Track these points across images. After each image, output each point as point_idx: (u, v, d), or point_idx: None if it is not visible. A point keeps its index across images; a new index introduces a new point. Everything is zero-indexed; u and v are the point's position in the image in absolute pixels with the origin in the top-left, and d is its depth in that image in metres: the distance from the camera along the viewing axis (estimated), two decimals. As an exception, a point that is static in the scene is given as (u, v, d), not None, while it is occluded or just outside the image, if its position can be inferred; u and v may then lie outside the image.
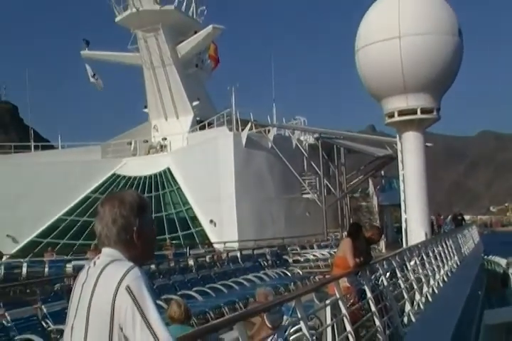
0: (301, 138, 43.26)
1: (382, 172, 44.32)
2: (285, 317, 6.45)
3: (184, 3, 44.25)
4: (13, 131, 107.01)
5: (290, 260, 27.45)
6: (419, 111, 22.97)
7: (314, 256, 28.44)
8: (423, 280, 12.55)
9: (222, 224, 36.07)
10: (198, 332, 3.62)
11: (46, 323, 10.88)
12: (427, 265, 13.74)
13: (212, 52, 45.33)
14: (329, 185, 41.91)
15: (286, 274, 22.15)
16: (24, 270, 26.03)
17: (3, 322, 10.25)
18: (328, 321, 6.85)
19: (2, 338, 9.83)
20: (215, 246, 33.58)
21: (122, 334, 2.24)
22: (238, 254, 26.03)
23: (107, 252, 2.47)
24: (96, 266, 2.42)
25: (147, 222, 2.54)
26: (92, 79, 45.82)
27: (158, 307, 2.32)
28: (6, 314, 10.45)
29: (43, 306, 11.25)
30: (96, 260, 2.47)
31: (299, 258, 28.26)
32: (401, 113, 23.12)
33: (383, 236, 32.67)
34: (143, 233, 2.49)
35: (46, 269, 25.54)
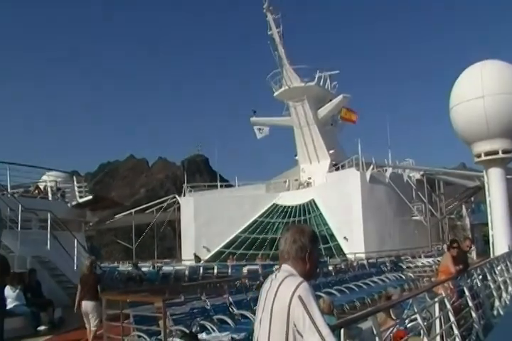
0: (410, 174, 41.94)
1: (472, 198, 42.17)
2: (405, 311, 6.24)
3: (322, 80, 44.53)
4: (206, 174, 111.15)
5: (404, 266, 26.41)
6: (500, 152, 21.98)
7: (422, 263, 27.53)
8: (508, 281, 11.73)
9: (352, 240, 35.50)
10: (346, 321, 3.57)
11: (232, 309, 11.15)
12: (511, 270, 12.79)
13: (343, 115, 44.83)
14: (432, 210, 40.34)
15: (401, 277, 21.48)
16: (215, 271, 26.70)
17: (205, 306, 10.78)
18: (437, 314, 6.64)
19: (205, 316, 10.36)
20: (348, 256, 32.86)
21: (295, 329, 2.27)
22: (365, 262, 25.46)
23: (285, 268, 2.51)
24: (276, 279, 2.46)
25: (316, 248, 2.57)
26: (258, 136, 46.85)
27: None
28: (207, 301, 10.94)
29: (229, 297, 11.55)
30: (277, 273, 2.52)
31: (410, 265, 27.16)
32: (486, 154, 22.21)
33: (474, 247, 31.23)
34: (312, 255, 2.52)
35: (229, 270, 26.07)
